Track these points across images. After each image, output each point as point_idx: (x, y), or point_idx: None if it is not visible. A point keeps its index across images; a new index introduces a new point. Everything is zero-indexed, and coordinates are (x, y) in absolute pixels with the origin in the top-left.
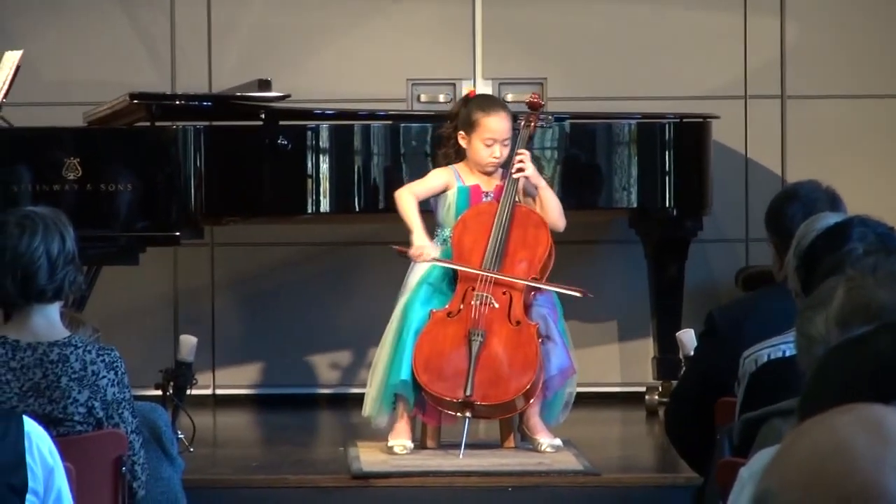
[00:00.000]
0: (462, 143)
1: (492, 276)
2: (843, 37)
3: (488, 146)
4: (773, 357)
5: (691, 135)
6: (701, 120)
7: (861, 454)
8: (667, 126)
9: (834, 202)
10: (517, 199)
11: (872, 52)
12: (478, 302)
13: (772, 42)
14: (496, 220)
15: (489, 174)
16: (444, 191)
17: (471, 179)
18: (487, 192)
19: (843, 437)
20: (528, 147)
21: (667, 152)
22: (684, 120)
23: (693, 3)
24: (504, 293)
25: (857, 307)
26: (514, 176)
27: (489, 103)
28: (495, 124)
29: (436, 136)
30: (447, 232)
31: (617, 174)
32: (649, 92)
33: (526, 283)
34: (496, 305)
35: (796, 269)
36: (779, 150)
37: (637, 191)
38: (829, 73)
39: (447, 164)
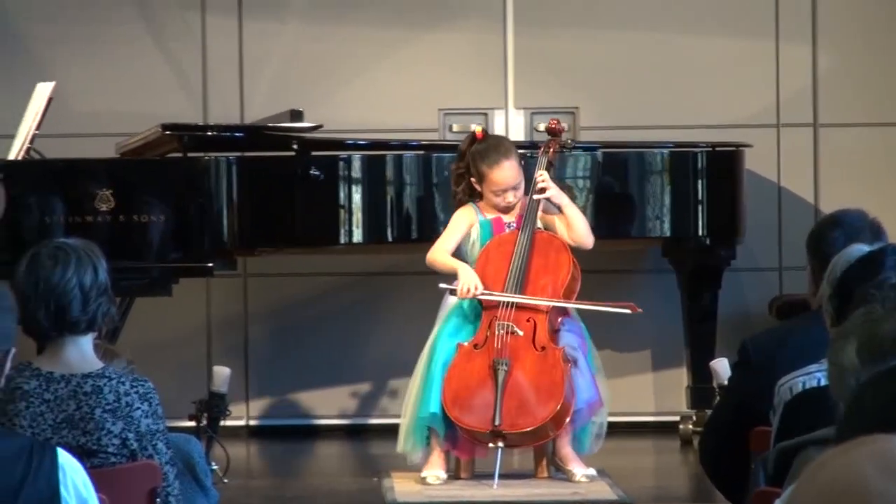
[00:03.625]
0: (476, 187)
1: (517, 300)
2: (875, 64)
3: (498, 196)
4: (807, 386)
5: (724, 163)
6: (733, 148)
7: (873, 492)
8: (699, 155)
9: (877, 233)
10: (538, 225)
11: None
12: (502, 331)
13: (804, 70)
14: (516, 247)
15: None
16: (469, 229)
17: (492, 213)
18: (509, 223)
19: (858, 473)
20: (550, 172)
21: (699, 181)
22: (717, 148)
23: (725, 31)
24: (528, 320)
25: (874, 340)
26: (536, 197)
27: (492, 155)
28: (500, 176)
29: (443, 171)
30: (471, 264)
31: (650, 203)
32: (681, 121)
33: (541, 301)
34: (520, 333)
35: (829, 297)
36: (812, 179)
37: (670, 220)
38: (862, 100)
39: (466, 200)
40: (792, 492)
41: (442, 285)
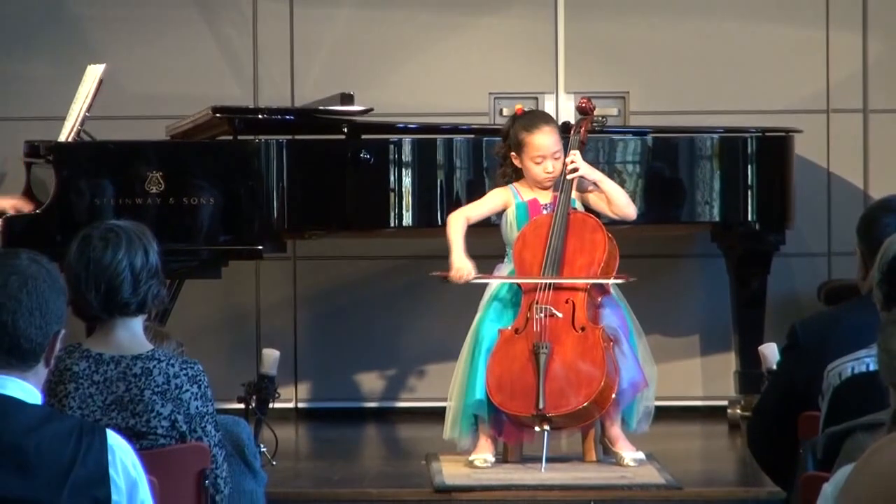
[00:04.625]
0: (516, 163)
1: (552, 284)
2: None
3: (538, 163)
4: (857, 371)
5: (774, 149)
6: (783, 134)
7: None
8: (749, 140)
9: None
10: (574, 205)
11: None
12: (541, 314)
13: (854, 56)
14: (552, 228)
15: (546, 189)
16: (503, 210)
17: (529, 195)
18: (546, 205)
19: None
20: (582, 151)
21: (749, 166)
22: (767, 134)
23: (775, 17)
24: (566, 301)
25: None
26: (569, 177)
27: (532, 121)
28: (540, 141)
29: (492, 155)
30: (510, 249)
31: (699, 188)
32: (731, 106)
33: (576, 280)
34: (559, 315)
35: (879, 282)
36: (861, 165)
37: (720, 205)
38: None
39: (506, 183)
40: (848, 477)
41: (433, 273)
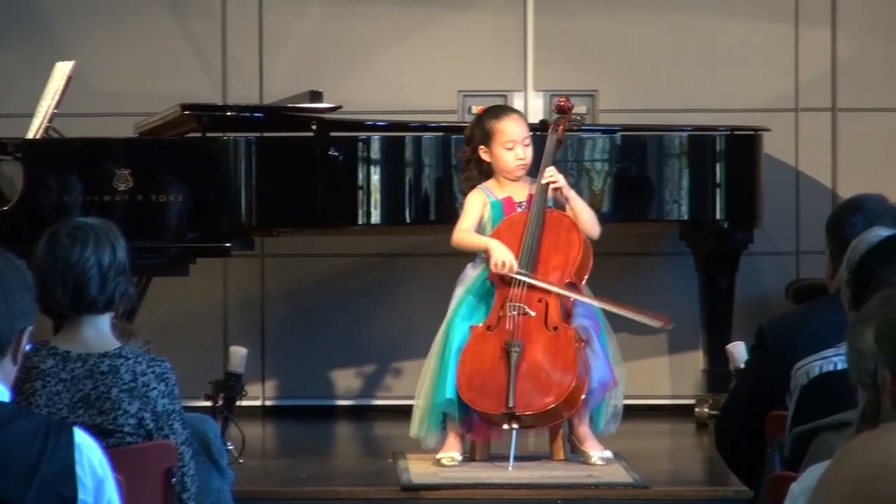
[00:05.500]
0: (485, 157)
1: (527, 280)
2: (894, 48)
3: (510, 149)
4: (824, 370)
5: (742, 147)
6: (752, 132)
7: None
8: (718, 138)
9: None
10: (548, 204)
11: None
12: (514, 312)
13: (823, 54)
14: (527, 227)
15: (517, 179)
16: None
17: (502, 193)
18: (520, 203)
19: (890, 458)
20: (558, 151)
21: (718, 165)
22: (735, 132)
23: (744, 15)
24: (539, 300)
25: (891, 325)
26: (544, 183)
27: (499, 109)
28: (510, 126)
29: (457, 161)
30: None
31: (668, 186)
32: (700, 104)
33: (549, 287)
34: (532, 314)
35: (847, 281)
36: (830, 163)
37: (688, 203)
38: (881, 85)
39: (472, 186)
40: (820, 479)
41: (472, 264)
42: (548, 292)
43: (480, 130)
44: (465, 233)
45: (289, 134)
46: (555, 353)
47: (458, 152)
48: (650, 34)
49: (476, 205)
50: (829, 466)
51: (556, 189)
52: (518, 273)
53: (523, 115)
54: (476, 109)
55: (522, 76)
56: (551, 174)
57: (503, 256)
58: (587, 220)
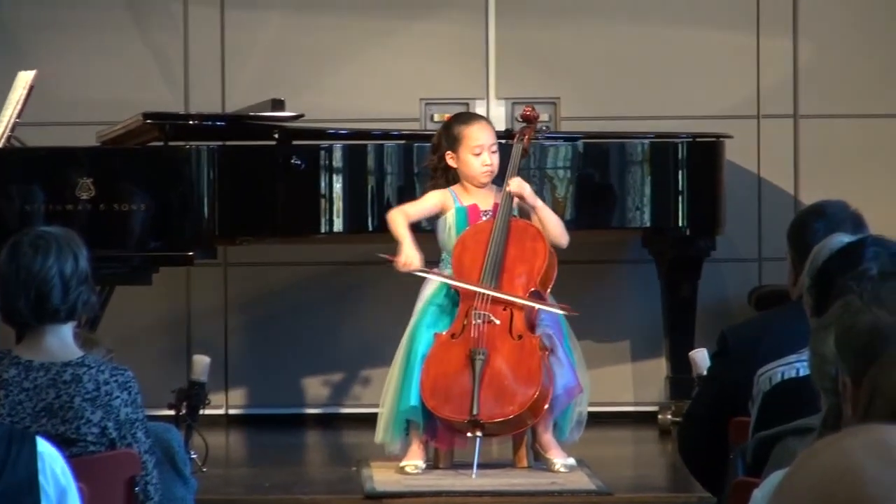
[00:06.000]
0: (452, 162)
1: (489, 294)
2: (855, 56)
3: (477, 154)
4: (787, 376)
5: (704, 154)
6: (714, 139)
7: (870, 480)
8: (680, 146)
9: (858, 225)
10: (514, 213)
11: (885, 72)
12: (479, 320)
13: (784, 61)
14: (492, 235)
15: (483, 186)
16: (440, 213)
17: (468, 200)
18: (486, 211)
19: (853, 461)
20: (524, 160)
21: (680, 172)
22: (697, 139)
23: (706, 23)
24: (504, 309)
25: (851, 332)
26: (510, 191)
27: (467, 115)
28: (478, 132)
29: (423, 169)
30: (448, 254)
31: (630, 194)
32: (662, 112)
33: (513, 298)
34: (497, 322)
35: (809, 288)
36: (792, 170)
37: (650, 210)
38: (842, 92)
39: (443, 186)
40: (780, 483)
41: (380, 255)
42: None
43: (448, 136)
44: (400, 215)
45: (251, 143)
46: (519, 362)
47: (426, 160)
48: (612, 42)
49: (433, 199)
50: (789, 471)
51: (520, 196)
52: (418, 271)
53: (491, 122)
54: (443, 117)
55: (485, 84)
56: (517, 184)
57: (408, 257)
58: (555, 229)
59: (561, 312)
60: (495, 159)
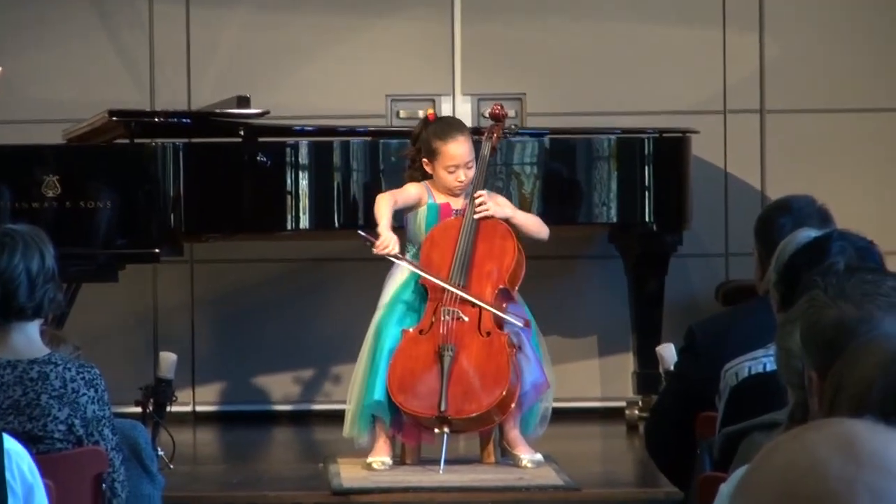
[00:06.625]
0: (427, 169)
1: (457, 292)
2: (821, 52)
3: (451, 173)
4: (754, 371)
5: (671, 150)
6: (680, 135)
7: (834, 475)
8: (646, 141)
9: (825, 219)
10: None
11: (850, 67)
12: (448, 317)
13: (751, 57)
14: (461, 233)
15: (456, 197)
16: (417, 205)
17: (441, 198)
18: (457, 211)
19: (816, 456)
20: (493, 158)
21: (646, 167)
22: (664, 135)
23: (672, 18)
24: (473, 306)
25: (816, 327)
26: (477, 217)
27: (446, 129)
28: (455, 150)
29: (401, 157)
30: (416, 249)
31: (596, 189)
32: (629, 107)
33: (479, 303)
34: (465, 319)
35: (775, 283)
36: (758, 165)
37: (617, 206)
38: (808, 87)
39: (419, 179)
40: (743, 477)
41: (360, 232)
42: (481, 295)
43: (425, 144)
44: (389, 199)
45: (217, 140)
46: (487, 359)
47: (405, 150)
48: (578, 38)
49: (411, 192)
50: (752, 465)
51: (486, 215)
52: (394, 256)
53: (470, 136)
54: (427, 113)
55: (450, 80)
56: (481, 201)
57: (386, 240)
58: (533, 227)
59: (519, 324)
60: (470, 174)
